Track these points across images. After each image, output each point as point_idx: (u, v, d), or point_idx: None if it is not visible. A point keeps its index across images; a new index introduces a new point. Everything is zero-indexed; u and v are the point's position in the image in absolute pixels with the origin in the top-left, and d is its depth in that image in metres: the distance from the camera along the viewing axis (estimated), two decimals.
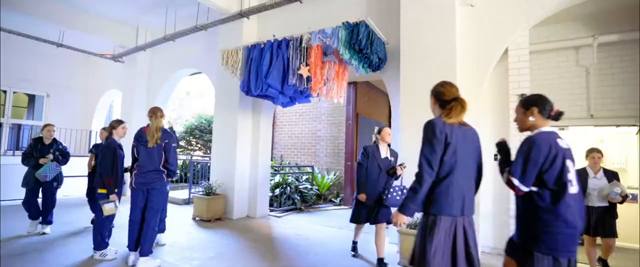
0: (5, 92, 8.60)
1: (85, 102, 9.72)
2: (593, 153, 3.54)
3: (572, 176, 1.74)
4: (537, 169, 1.74)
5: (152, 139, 3.24)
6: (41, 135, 4.45)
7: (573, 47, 4.55)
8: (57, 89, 9.32)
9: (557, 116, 1.89)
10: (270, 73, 4.32)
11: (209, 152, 9.83)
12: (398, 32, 4.12)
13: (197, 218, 5.34)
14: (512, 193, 3.87)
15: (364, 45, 3.78)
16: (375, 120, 8.61)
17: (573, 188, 1.72)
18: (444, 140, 1.84)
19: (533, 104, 1.89)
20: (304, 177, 7.43)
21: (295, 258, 3.69)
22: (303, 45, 4.16)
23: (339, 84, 4.33)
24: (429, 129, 1.88)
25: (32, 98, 9.27)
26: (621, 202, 3.37)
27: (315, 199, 7.04)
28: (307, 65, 4.08)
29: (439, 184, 1.86)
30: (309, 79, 4.08)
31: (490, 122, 4.15)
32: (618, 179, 3.43)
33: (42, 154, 4.30)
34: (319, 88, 4.09)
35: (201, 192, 5.52)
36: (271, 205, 6.27)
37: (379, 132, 3.56)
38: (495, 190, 4.06)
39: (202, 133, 11.01)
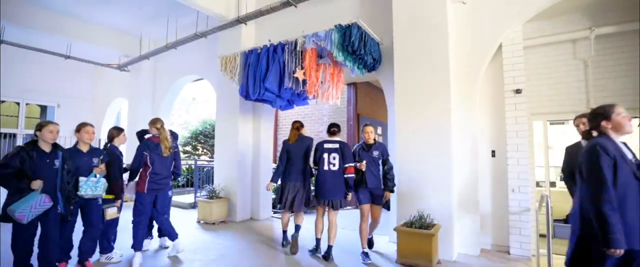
0: (18, 104, 8.92)
1: (93, 111, 9.99)
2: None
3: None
4: None
5: (167, 150, 3.59)
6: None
7: (570, 40, 4.51)
8: (67, 100, 9.62)
9: None
10: (267, 77, 4.40)
11: (213, 156, 10.01)
12: (392, 32, 4.15)
13: (201, 221, 5.45)
14: (510, 190, 3.86)
15: (357, 47, 3.82)
16: (377, 120, 8.63)
17: None
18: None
19: None
20: None
21: (295, 258, 3.75)
22: (298, 48, 4.22)
23: (335, 86, 4.38)
24: None
25: (43, 109, 9.58)
26: None
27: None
28: (302, 68, 4.14)
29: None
30: (304, 81, 4.14)
31: (486, 119, 4.15)
32: None
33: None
34: (314, 90, 4.14)
35: (205, 196, 5.64)
36: (274, 207, 6.35)
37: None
38: (493, 188, 4.06)
39: (206, 138, 11.20)
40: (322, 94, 4.22)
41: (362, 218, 3.72)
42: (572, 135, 6.59)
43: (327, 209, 3.76)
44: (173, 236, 3.75)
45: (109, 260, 3.54)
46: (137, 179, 3.57)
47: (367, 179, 3.73)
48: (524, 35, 4.25)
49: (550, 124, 4.97)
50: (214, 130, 10.76)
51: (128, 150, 6.97)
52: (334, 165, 3.70)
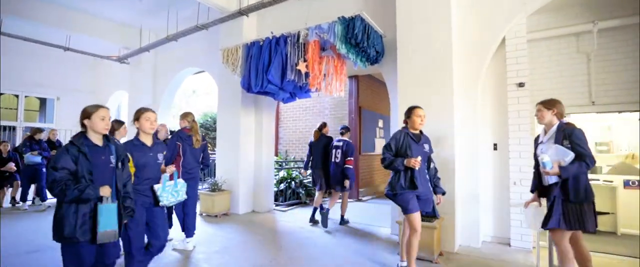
0: (17, 96, 8.88)
1: (93, 103, 9.95)
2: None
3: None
4: None
5: (198, 142, 3.84)
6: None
7: (573, 33, 4.50)
8: (67, 92, 9.58)
9: None
10: (269, 70, 4.38)
11: (215, 149, 10.00)
12: (395, 25, 4.13)
13: (203, 214, 5.48)
14: (511, 182, 3.88)
15: (361, 39, 3.81)
16: (379, 112, 8.63)
17: None
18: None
19: None
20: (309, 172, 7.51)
21: (296, 250, 3.78)
22: (301, 41, 4.20)
23: (338, 79, 4.36)
24: None
25: (43, 102, 9.55)
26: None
27: None
28: (305, 60, 4.13)
29: None
30: (307, 74, 4.13)
31: (490, 112, 4.15)
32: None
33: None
34: (317, 83, 4.13)
35: (207, 189, 5.66)
36: (276, 199, 6.38)
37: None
38: (495, 180, 4.08)
39: (208, 130, 11.19)
40: (326, 87, 4.21)
41: (412, 231, 2.83)
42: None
43: (338, 192, 4.88)
44: (192, 231, 3.81)
45: None
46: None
47: (417, 182, 2.76)
48: (527, 28, 4.23)
49: None
50: (215, 123, 10.76)
51: None
52: (337, 158, 4.81)
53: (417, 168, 2.74)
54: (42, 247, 3.72)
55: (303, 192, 6.67)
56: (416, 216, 2.80)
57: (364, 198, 7.51)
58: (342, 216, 4.95)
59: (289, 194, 6.58)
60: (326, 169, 4.97)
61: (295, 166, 7.71)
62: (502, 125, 4.05)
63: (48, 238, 3.87)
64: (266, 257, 3.51)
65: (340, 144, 4.84)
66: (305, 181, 6.92)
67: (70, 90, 9.61)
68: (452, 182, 3.66)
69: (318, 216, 4.89)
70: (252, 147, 5.96)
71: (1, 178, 5.92)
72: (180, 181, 2.80)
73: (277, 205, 6.24)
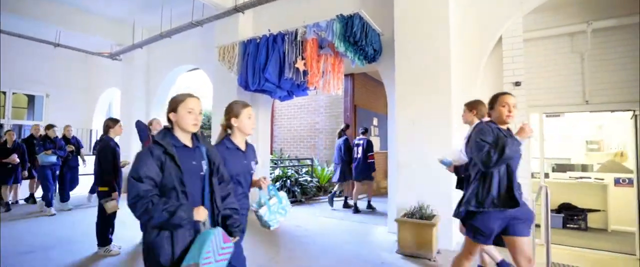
0: (4, 93, 8.66)
1: (84, 101, 9.77)
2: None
3: None
4: None
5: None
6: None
7: (567, 33, 4.56)
8: (57, 89, 9.37)
9: None
10: (266, 68, 4.35)
11: None
12: (392, 23, 4.12)
13: None
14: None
15: (359, 38, 3.80)
16: (374, 111, 8.65)
17: None
18: None
19: None
20: (304, 170, 7.50)
21: (294, 249, 3.77)
22: (298, 39, 4.17)
23: (336, 77, 4.35)
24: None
25: (31, 98, 9.33)
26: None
27: (315, 191, 7.12)
28: (303, 58, 4.10)
29: None
30: (305, 72, 4.11)
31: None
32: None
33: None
34: (315, 81, 4.11)
35: None
36: None
37: None
38: None
39: (202, 129, 11.06)
40: (324, 85, 4.19)
41: (468, 257, 2.22)
42: (567, 127, 6.74)
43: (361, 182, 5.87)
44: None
45: (108, 253, 3.50)
46: None
47: (516, 194, 1.99)
48: (523, 27, 4.27)
49: (546, 116, 5.05)
50: (209, 121, 10.65)
51: (130, 142, 6.87)
52: (359, 154, 5.82)
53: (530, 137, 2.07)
54: (38, 249, 3.65)
55: (299, 190, 6.65)
56: (492, 248, 2.40)
57: (360, 197, 7.51)
58: (369, 202, 6.02)
59: (285, 193, 6.55)
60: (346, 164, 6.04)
61: (291, 164, 7.68)
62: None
63: (47, 239, 3.76)
64: (265, 257, 3.49)
65: (361, 142, 5.84)
66: (301, 180, 6.91)
67: (60, 87, 9.39)
68: (449, 179, 3.68)
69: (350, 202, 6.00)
70: None
71: (4, 171, 5.45)
72: (282, 194, 2.13)
73: None
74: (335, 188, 6.27)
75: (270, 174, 6.55)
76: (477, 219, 2.05)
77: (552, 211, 5.03)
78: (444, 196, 3.66)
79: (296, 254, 3.61)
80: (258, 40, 4.57)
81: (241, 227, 1.73)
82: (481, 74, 4.08)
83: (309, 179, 7.12)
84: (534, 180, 5.24)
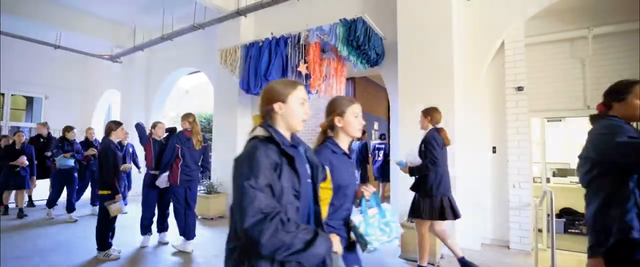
0: (3, 95, 8.60)
1: (84, 103, 9.72)
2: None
3: None
4: None
5: (199, 143, 3.83)
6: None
7: (568, 39, 4.57)
8: (56, 91, 9.31)
9: None
10: (269, 71, 4.35)
11: (209, 151, 9.91)
12: (395, 28, 4.13)
13: (199, 217, 5.38)
14: (510, 185, 3.91)
15: (362, 42, 3.81)
16: (375, 115, 8.65)
17: None
18: None
19: None
20: None
21: None
22: (301, 42, 4.18)
23: (338, 80, 4.36)
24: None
25: (30, 100, 9.27)
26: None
27: None
28: (305, 62, 4.10)
29: None
30: (307, 76, 4.11)
31: (487, 115, 4.19)
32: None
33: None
34: (317, 85, 4.11)
35: (203, 191, 5.56)
36: None
37: None
38: (494, 183, 4.11)
39: (202, 132, 11.04)
40: (325, 89, 4.20)
41: None
42: (568, 132, 6.74)
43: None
44: (192, 234, 3.74)
45: (107, 257, 3.46)
46: (168, 172, 3.70)
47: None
48: (525, 32, 4.29)
49: (548, 121, 5.05)
50: (209, 125, 10.61)
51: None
52: (379, 157, 6.63)
53: None
54: (37, 252, 3.60)
55: None
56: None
57: None
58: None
59: None
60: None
61: None
62: (501, 129, 4.09)
63: (46, 242, 3.71)
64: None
65: (382, 146, 6.66)
66: None
67: (59, 89, 9.34)
68: (452, 184, 3.66)
69: None
70: None
71: (12, 174, 5.20)
72: (387, 206, 1.55)
73: None
74: None
75: None
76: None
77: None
78: None
79: None
80: (260, 44, 4.57)
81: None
82: (483, 79, 4.09)
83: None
84: (536, 185, 5.24)
